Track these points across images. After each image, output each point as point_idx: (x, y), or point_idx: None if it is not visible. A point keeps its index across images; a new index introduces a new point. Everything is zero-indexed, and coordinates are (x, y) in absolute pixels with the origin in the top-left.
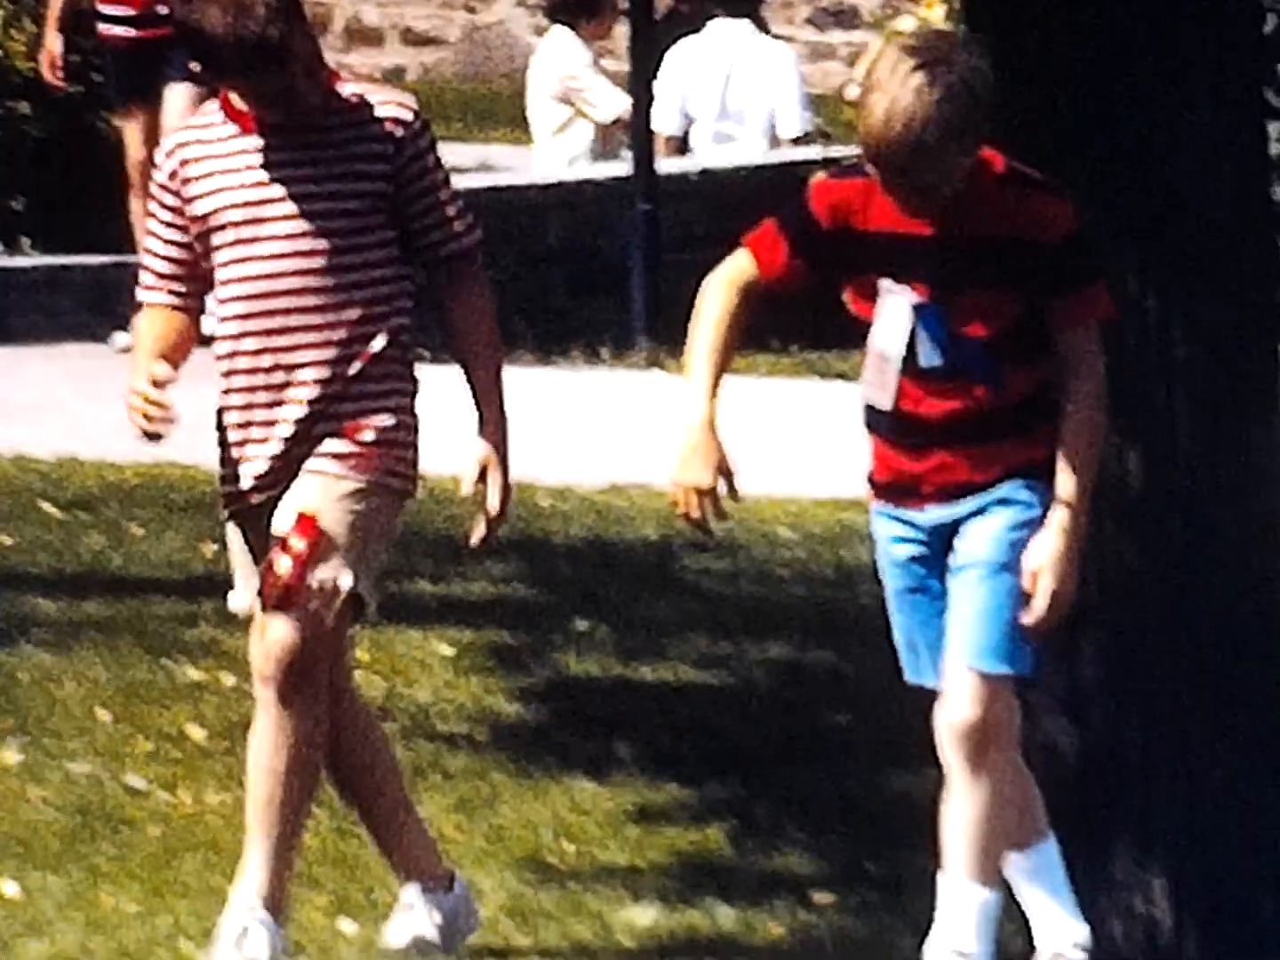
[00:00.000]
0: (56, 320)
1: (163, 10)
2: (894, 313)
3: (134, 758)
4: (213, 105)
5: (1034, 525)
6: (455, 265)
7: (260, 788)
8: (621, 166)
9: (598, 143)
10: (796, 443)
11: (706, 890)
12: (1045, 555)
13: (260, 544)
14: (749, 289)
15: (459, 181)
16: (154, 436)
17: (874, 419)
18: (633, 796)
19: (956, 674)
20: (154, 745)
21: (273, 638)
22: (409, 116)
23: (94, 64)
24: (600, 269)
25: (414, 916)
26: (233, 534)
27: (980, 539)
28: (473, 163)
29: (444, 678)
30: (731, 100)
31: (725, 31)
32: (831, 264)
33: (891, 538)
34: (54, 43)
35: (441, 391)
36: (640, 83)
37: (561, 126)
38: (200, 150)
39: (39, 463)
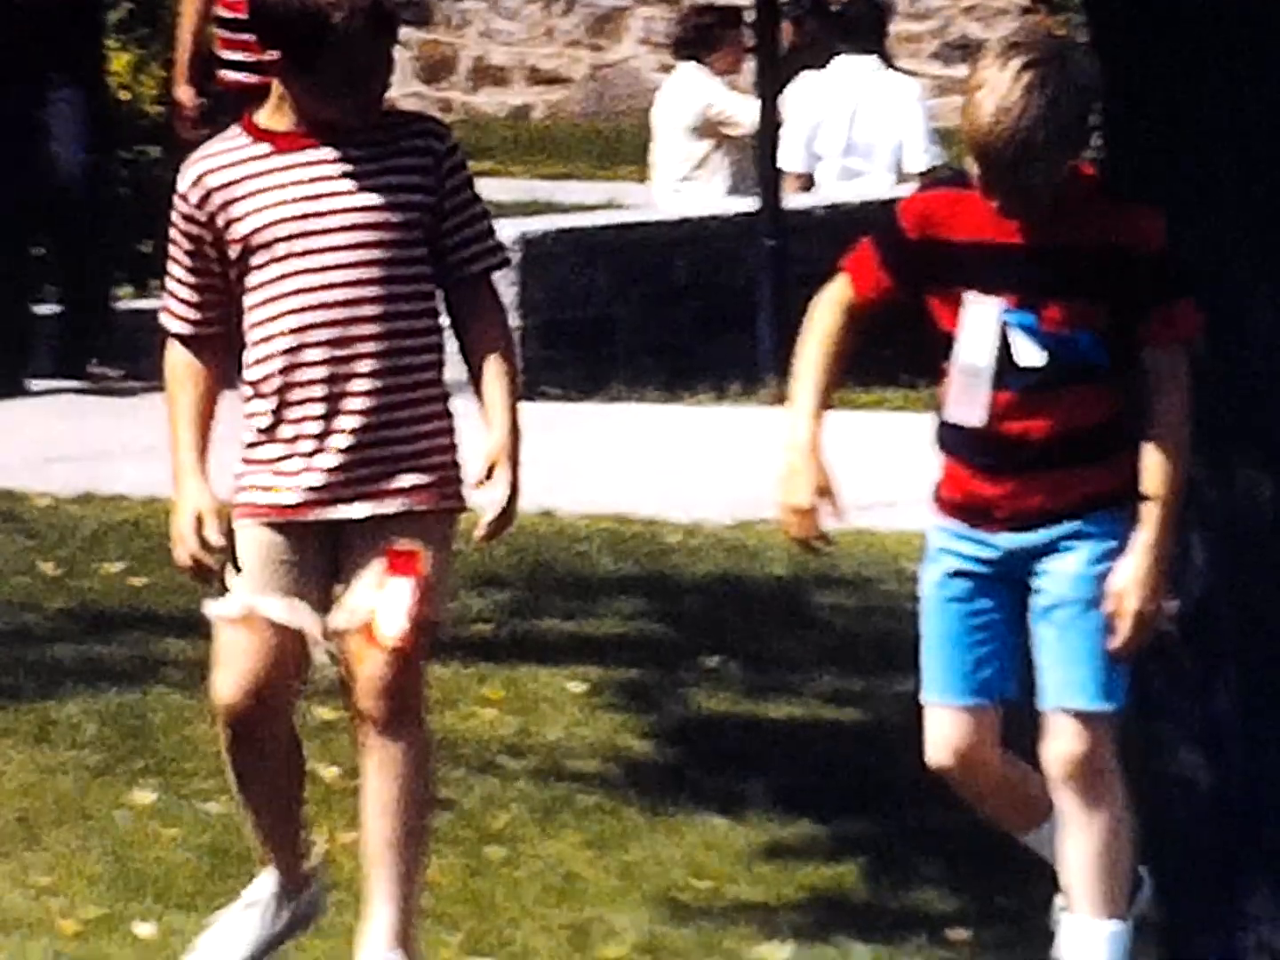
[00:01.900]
0: None
1: None
2: (981, 322)
3: None
4: (232, 131)
5: (1116, 558)
6: (483, 284)
7: (380, 826)
8: (748, 203)
9: (736, 166)
10: (927, 478)
11: (840, 927)
12: (1128, 577)
13: (303, 561)
14: (850, 309)
15: (586, 219)
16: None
17: (951, 439)
18: (765, 833)
19: (1058, 714)
20: None
21: (378, 673)
22: (445, 133)
23: (221, 108)
24: (727, 305)
25: (266, 910)
26: (249, 542)
27: (1064, 578)
28: (598, 200)
29: (575, 716)
30: (858, 136)
31: (850, 68)
32: (919, 277)
33: (954, 553)
34: (184, 95)
35: (563, 431)
36: (767, 120)
37: (699, 162)
38: (234, 173)
39: (170, 504)
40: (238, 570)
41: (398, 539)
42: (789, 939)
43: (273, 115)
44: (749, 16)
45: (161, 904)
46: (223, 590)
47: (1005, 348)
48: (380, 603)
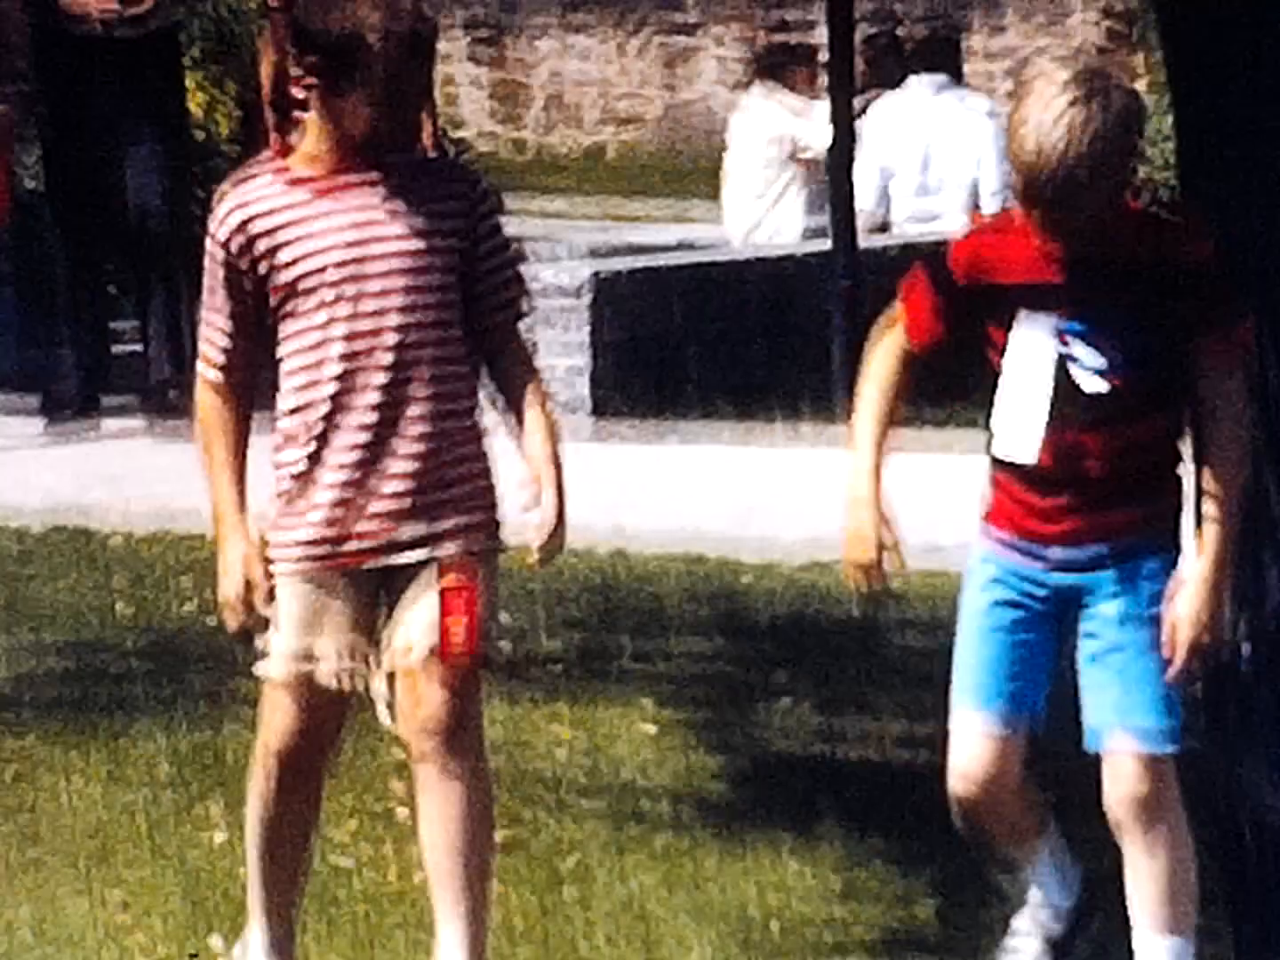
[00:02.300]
0: None
1: None
2: (1035, 359)
3: (340, 837)
4: (265, 177)
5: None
6: (513, 325)
7: (444, 864)
8: (822, 242)
9: (811, 194)
10: None
11: None
12: (1185, 608)
13: (347, 610)
14: (905, 356)
15: (660, 259)
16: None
17: (1006, 475)
18: (838, 875)
19: (1119, 756)
20: (360, 825)
21: (435, 711)
22: (479, 178)
23: None
24: (802, 344)
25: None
26: (292, 596)
27: (1117, 621)
28: (672, 239)
29: (647, 755)
30: (932, 176)
31: (924, 96)
32: (972, 319)
33: (1003, 583)
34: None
35: (636, 470)
36: (841, 158)
37: (775, 187)
38: (274, 220)
39: None
40: (280, 628)
41: (450, 579)
42: None
43: (308, 158)
44: (824, 56)
45: (235, 939)
46: (265, 645)
47: (1063, 384)
48: (438, 642)
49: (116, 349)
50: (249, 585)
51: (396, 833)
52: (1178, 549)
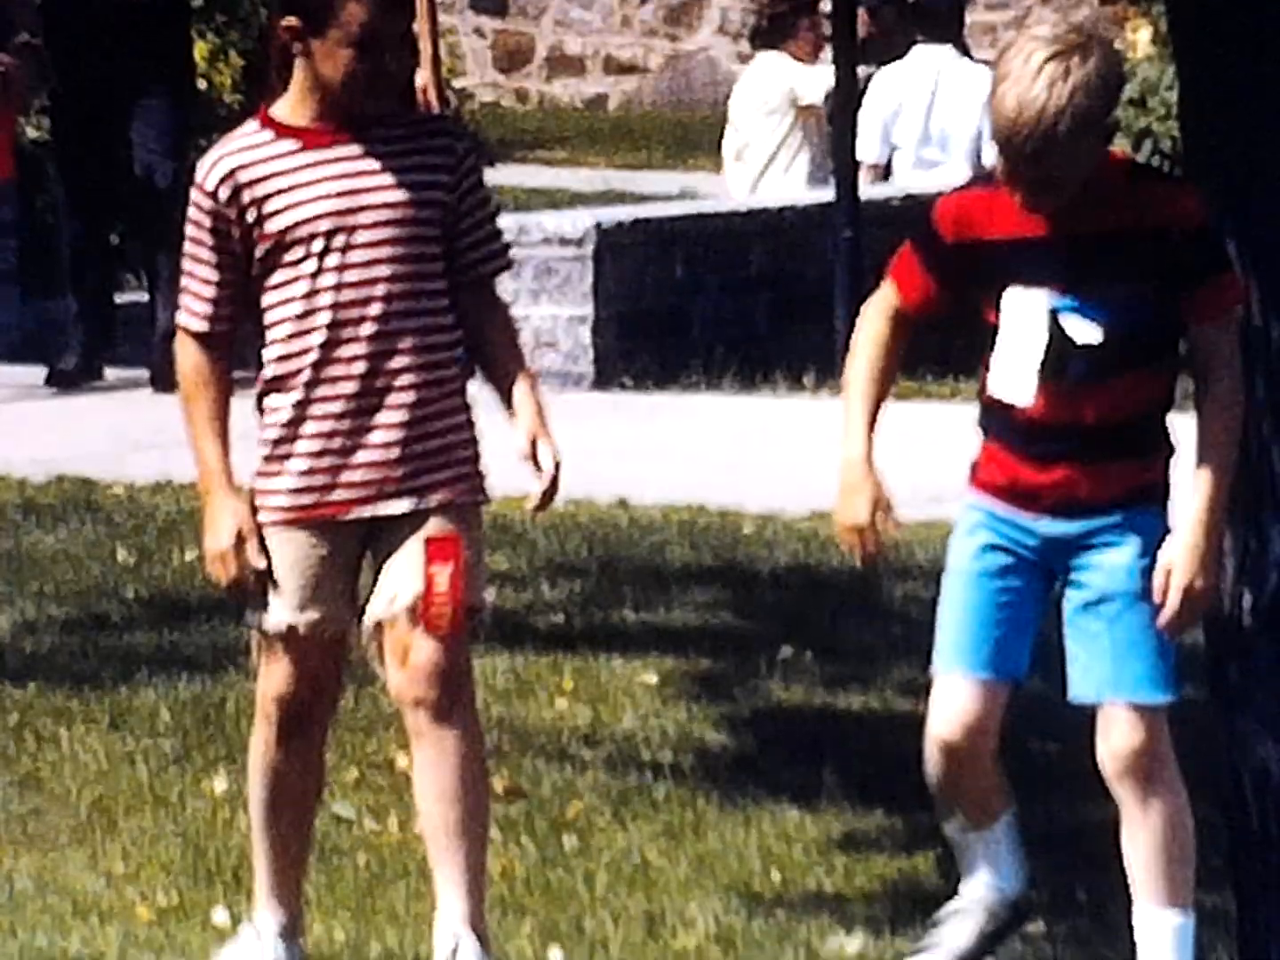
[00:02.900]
0: None
1: None
2: (1027, 314)
3: (341, 786)
4: (250, 127)
5: (1160, 549)
6: (491, 284)
7: (439, 813)
8: (824, 193)
9: (815, 153)
10: None
11: (915, 919)
12: (1178, 552)
13: (334, 561)
14: (897, 318)
15: (662, 209)
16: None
17: (999, 424)
18: (840, 824)
19: (1113, 708)
20: (361, 774)
21: (425, 659)
22: (464, 134)
23: None
24: (803, 296)
25: (260, 948)
26: (280, 546)
27: (1112, 572)
28: (675, 189)
29: (649, 706)
30: (935, 126)
31: (928, 57)
32: (961, 279)
33: (990, 529)
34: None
35: (638, 422)
36: (843, 109)
37: (778, 147)
38: (264, 169)
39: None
40: (272, 579)
41: (434, 528)
42: (863, 930)
43: (295, 109)
44: (826, 6)
45: (237, 891)
46: (258, 599)
47: (1058, 336)
48: (423, 589)
49: (120, 299)
50: (240, 537)
51: (397, 781)
52: (1168, 502)
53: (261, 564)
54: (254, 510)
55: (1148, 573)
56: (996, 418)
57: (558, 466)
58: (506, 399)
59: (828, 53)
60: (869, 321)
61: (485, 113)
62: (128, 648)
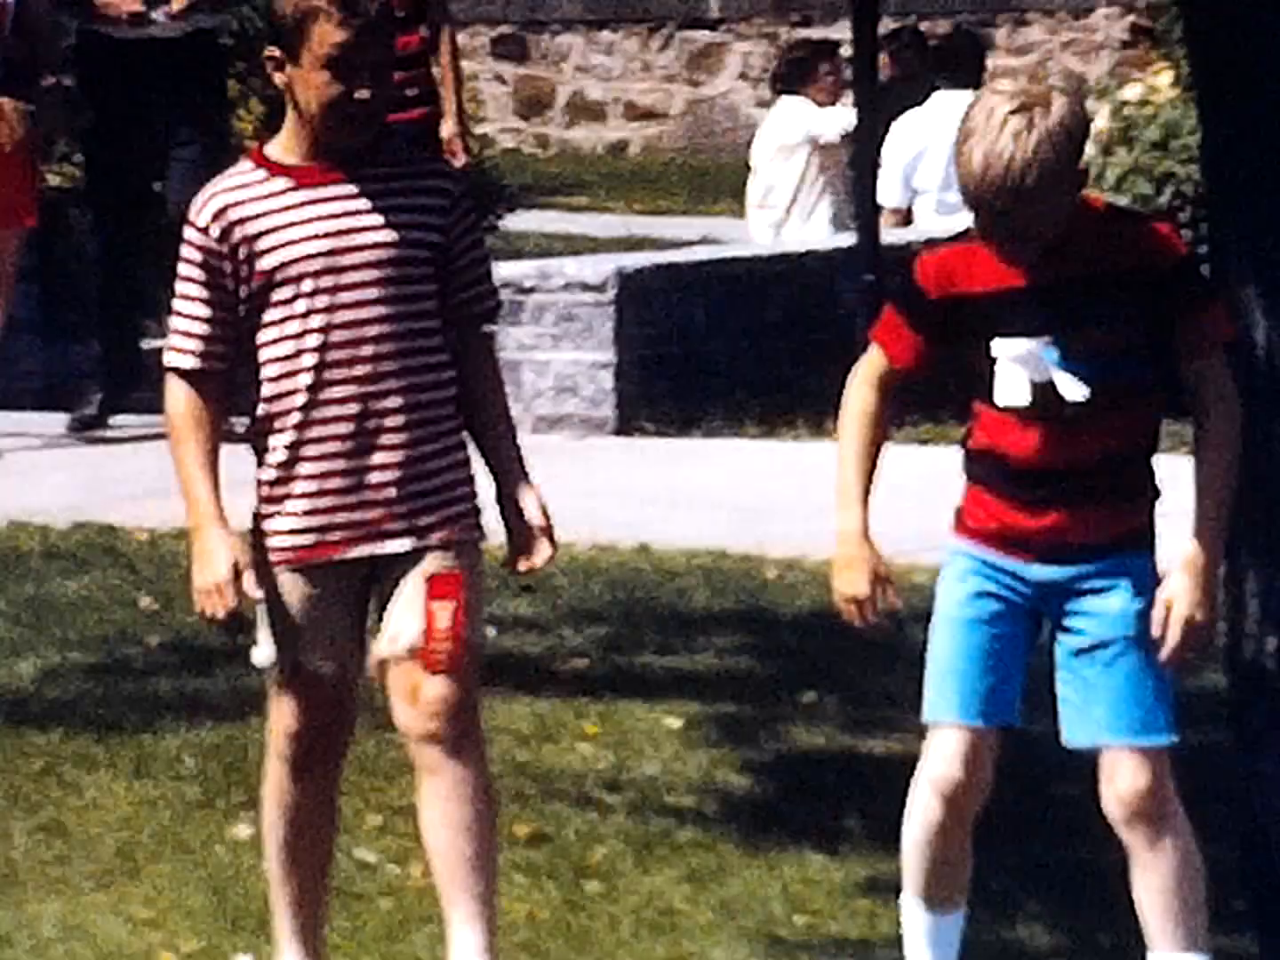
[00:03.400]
0: None
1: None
2: (1015, 366)
3: (364, 832)
4: (244, 165)
5: (1153, 596)
6: (483, 328)
7: (451, 848)
8: (846, 238)
9: (835, 199)
10: None
11: None
12: (1178, 585)
13: (336, 601)
14: (886, 382)
15: (683, 255)
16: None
17: (988, 470)
18: (863, 868)
19: (1116, 753)
20: (383, 819)
21: (434, 695)
22: (460, 177)
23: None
24: (825, 340)
25: None
26: (269, 591)
27: (1105, 619)
28: (696, 235)
29: (672, 750)
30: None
31: (949, 102)
32: (948, 334)
33: (979, 575)
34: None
35: (660, 466)
36: (864, 153)
37: (798, 192)
38: (255, 208)
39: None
40: (272, 621)
41: (435, 567)
42: None
43: (287, 147)
44: (846, 50)
45: (260, 938)
46: (263, 634)
47: (1046, 383)
48: (426, 627)
49: (145, 346)
50: (236, 569)
51: (419, 829)
52: (1155, 546)
53: (260, 595)
54: (256, 550)
55: (1142, 616)
56: (985, 464)
57: (549, 526)
58: (486, 449)
59: (848, 97)
60: (857, 393)
61: (506, 159)
62: (151, 694)
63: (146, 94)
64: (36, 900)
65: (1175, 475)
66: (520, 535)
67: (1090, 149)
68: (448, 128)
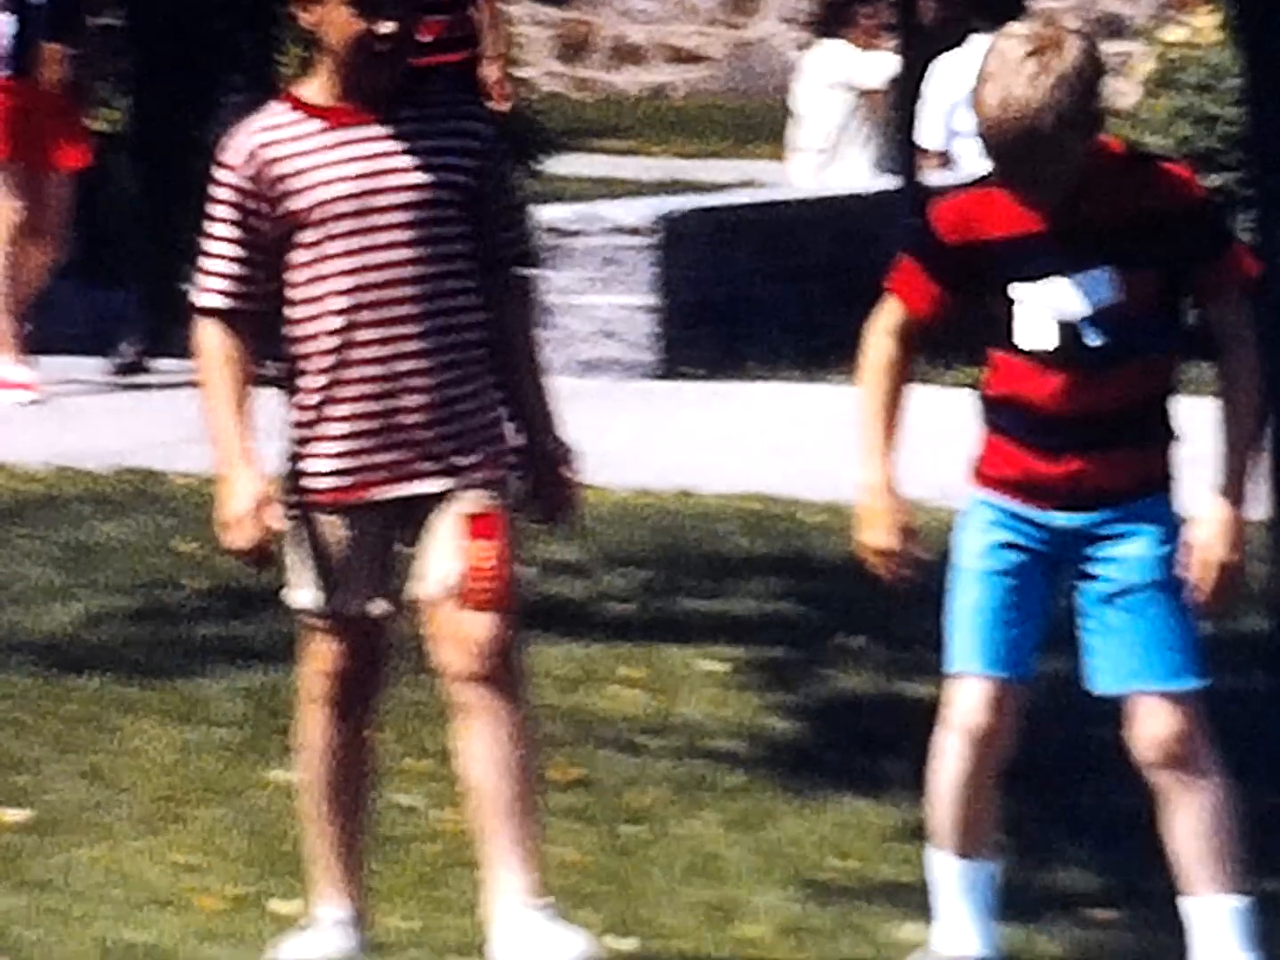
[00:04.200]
0: None
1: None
2: (1036, 312)
3: (406, 776)
4: (277, 105)
5: (1176, 541)
6: (513, 272)
7: (493, 789)
8: (887, 181)
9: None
10: None
11: None
12: (1208, 529)
13: (369, 542)
14: (903, 332)
15: (725, 198)
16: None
17: (1009, 418)
18: (904, 813)
19: (1146, 699)
20: (424, 764)
21: (477, 635)
22: (492, 120)
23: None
24: (866, 284)
25: (329, 939)
26: (302, 533)
27: (1129, 565)
28: (737, 178)
29: (714, 695)
30: None
31: (987, 45)
32: (966, 281)
33: (1000, 525)
34: None
35: (701, 411)
36: (905, 96)
37: (839, 135)
38: (287, 149)
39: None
40: (306, 563)
41: (472, 506)
42: (929, 919)
43: (320, 89)
44: None
45: (301, 883)
46: (287, 578)
47: (1066, 328)
48: (466, 566)
49: (187, 289)
50: (260, 503)
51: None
52: (1175, 490)
53: (283, 527)
54: (289, 492)
55: (1165, 561)
56: (1005, 411)
57: (574, 480)
58: (514, 395)
59: (888, 40)
60: (876, 345)
61: (547, 102)
62: (191, 638)
63: (196, 39)
64: (80, 845)
65: (1196, 418)
66: (544, 487)
67: (1134, 91)
68: (489, 71)
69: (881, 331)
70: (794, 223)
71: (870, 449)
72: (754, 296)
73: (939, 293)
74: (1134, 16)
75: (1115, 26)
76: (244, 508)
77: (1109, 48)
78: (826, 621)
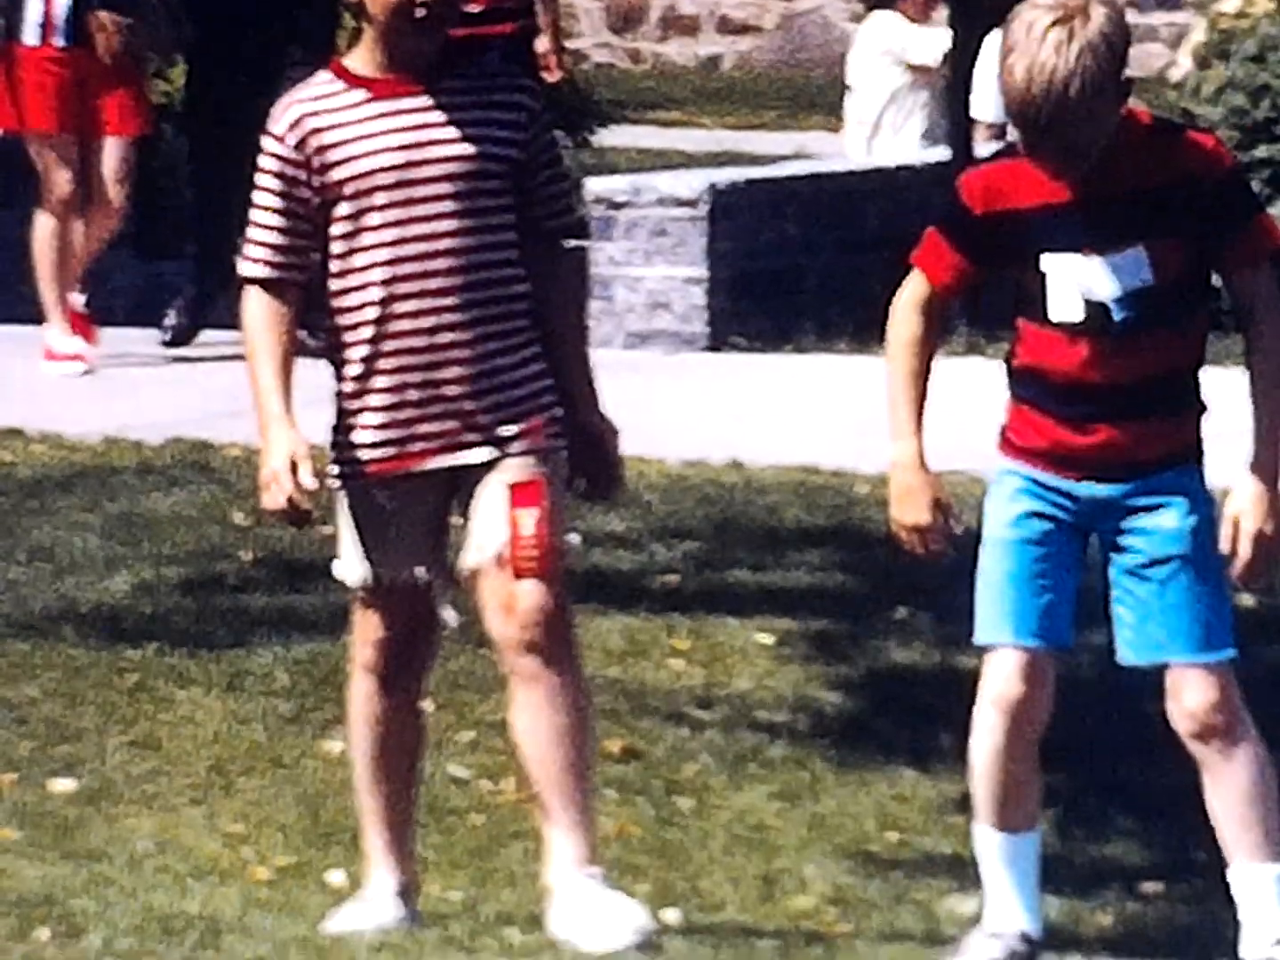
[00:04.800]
0: None
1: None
2: (1065, 280)
3: (456, 747)
4: (322, 75)
5: (1206, 511)
6: (564, 244)
7: (548, 757)
8: (940, 152)
9: (929, 112)
10: None
11: None
12: (1245, 500)
13: (416, 513)
14: (928, 306)
15: (776, 170)
16: (299, 520)
17: (1037, 388)
18: (955, 785)
19: (1182, 670)
20: (476, 735)
21: (528, 604)
22: (539, 93)
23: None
24: None
25: (380, 909)
26: (349, 504)
27: (1159, 536)
28: (789, 150)
29: (764, 667)
30: None
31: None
32: (993, 253)
33: (1028, 494)
34: None
35: (751, 382)
36: (959, 69)
37: (891, 106)
38: (331, 119)
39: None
40: (354, 534)
41: (516, 474)
42: (978, 891)
43: (365, 60)
44: None
45: (352, 853)
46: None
47: (1095, 307)
48: (511, 535)
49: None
50: (295, 462)
51: (511, 742)
52: (1204, 460)
53: (314, 485)
54: (336, 464)
55: (1196, 532)
56: (1033, 381)
57: (617, 455)
58: (557, 368)
59: (939, 10)
60: (901, 321)
61: (599, 74)
62: (244, 609)
63: (256, 10)
64: (130, 815)
65: (1224, 390)
66: (586, 464)
67: (1187, 62)
68: (543, 42)
69: (906, 305)
70: (845, 194)
71: (899, 425)
72: (804, 268)
73: (964, 265)
74: None
75: None
76: (277, 466)
77: (1161, 19)
78: (876, 593)
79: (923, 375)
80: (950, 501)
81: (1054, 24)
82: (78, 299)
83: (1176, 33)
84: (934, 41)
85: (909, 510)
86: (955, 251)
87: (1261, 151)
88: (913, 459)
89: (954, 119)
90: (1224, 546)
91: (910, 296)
